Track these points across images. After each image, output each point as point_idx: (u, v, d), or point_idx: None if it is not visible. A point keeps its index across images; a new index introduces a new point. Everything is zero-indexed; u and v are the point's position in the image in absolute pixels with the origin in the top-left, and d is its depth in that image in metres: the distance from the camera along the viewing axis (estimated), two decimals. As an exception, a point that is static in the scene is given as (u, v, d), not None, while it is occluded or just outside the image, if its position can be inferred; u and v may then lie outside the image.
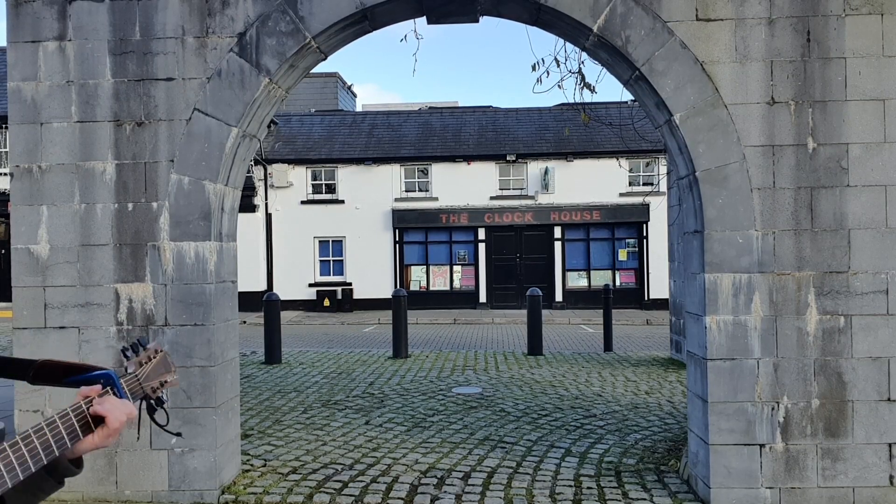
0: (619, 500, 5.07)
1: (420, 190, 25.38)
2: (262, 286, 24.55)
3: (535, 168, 24.96)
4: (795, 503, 4.85)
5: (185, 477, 5.12)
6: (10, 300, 10.49)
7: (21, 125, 5.20)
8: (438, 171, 25.20)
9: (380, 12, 5.31)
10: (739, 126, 4.91)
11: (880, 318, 4.86)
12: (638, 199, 24.27)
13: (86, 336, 5.17)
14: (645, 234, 24.89)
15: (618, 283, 25.05)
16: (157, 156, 5.16)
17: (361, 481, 5.48)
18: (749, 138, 4.91)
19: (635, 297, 24.90)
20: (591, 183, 24.39)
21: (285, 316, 19.62)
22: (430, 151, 25.49)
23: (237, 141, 5.24)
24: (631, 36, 4.98)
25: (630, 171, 24.69)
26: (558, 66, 7.31)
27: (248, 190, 23.36)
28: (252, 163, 20.91)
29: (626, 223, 25.00)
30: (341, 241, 25.40)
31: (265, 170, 24.82)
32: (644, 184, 24.48)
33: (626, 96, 13.54)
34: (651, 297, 24.61)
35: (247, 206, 23.44)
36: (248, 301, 20.76)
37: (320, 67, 19.04)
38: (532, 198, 24.89)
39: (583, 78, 7.54)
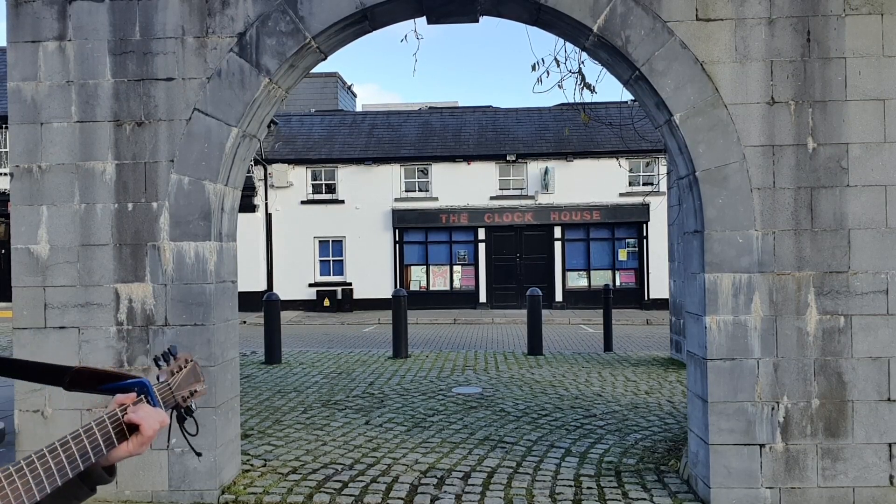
0: (619, 500, 5.07)
1: (420, 190, 25.38)
2: (262, 286, 24.55)
3: (535, 168, 24.95)
4: (795, 503, 4.85)
5: (185, 477, 5.12)
6: (10, 300, 10.50)
7: (21, 125, 5.20)
8: (438, 171, 25.20)
9: (380, 12, 5.31)
10: (739, 126, 4.91)
11: (880, 318, 4.86)
12: (638, 199, 24.27)
13: (86, 336, 5.17)
14: (645, 234, 24.89)
15: (618, 283, 25.05)
16: (157, 156, 5.16)
17: (361, 481, 5.48)
18: (749, 138, 4.91)
19: (635, 297, 24.90)
20: (591, 183, 24.39)
21: (285, 316, 19.62)
22: (430, 151, 25.49)
23: (237, 141, 5.24)
24: (631, 36, 4.98)
25: (630, 171, 24.69)
26: (558, 66, 7.31)
27: (248, 190, 23.36)
28: (252, 163, 20.91)
29: (626, 223, 25.00)
30: (341, 241, 25.40)
31: (265, 170, 24.82)
32: (644, 184, 24.48)
33: (626, 96, 13.54)
34: (651, 297, 24.61)
35: (247, 206, 23.44)
36: (248, 301, 20.76)
37: (320, 67, 19.05)
38: (532, 198, 24.89)
39: (583, 78, 7.54)
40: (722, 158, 4.92)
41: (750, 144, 4.91)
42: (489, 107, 28.69)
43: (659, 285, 23.76)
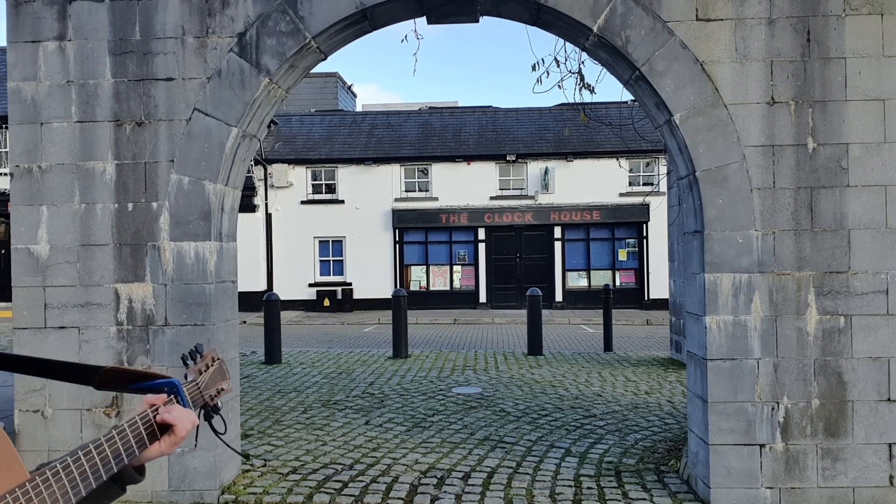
0: (619, 500, 5.07)
1: (420, 190, 25.39)
2: (262, 286, 24.55)
3: (535, 168, 24.96)
4: (795, 503, 4.85)
5: (184, 477, 5.12)
6: (10, 300, 10.49)
7: (21, 125, 5.20)
8: (438, 171, 25.20)
9: (380, 12, 5.31)
10: (739, 126, 4.91)
11: (880, 318, 4.86)
12: (638, 199, 24.27)
13: (86, 336, 5.17)
14: (645, 234, 24.89)
15: (618, 283, 25.05)
16: (157, 156, 5.16)
17: (361, 481, 5.48)
18: (749, 138, 4.91)
19: (635, 297, 24.90)
20: (591, 183, 24.39)
21: (285, 316, 19.63)
22: (430, 151, 25.49)
23: (237, 141, 5.24)
24: (631, 36, 4.98)
25: (630, 171, 24.69)
26: (558, 66, 7.31)
27: (248, 190, 23.36)
28: (252, 163, 20.91)
29: (626, 223, 25.00)
30: (341, 241, 25.41)
31: (265, 170, 24.82)
32: (644, 184, 24.48)
33: (626, 96, 13.55)
34: (651, 297, 24.62)
35: (247, 206, 23.44)
36: (248, 301, 20.76)
37: (320, 67, 19.05)
38: (532, 198, 24.89)
39: (582, 78, 7.54)
40: (722, 158, 4.92)
41: (750, 144, 4.91)
42: (489, 107, 28.70)
43: (659, 285, 23.76)
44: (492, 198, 24.98)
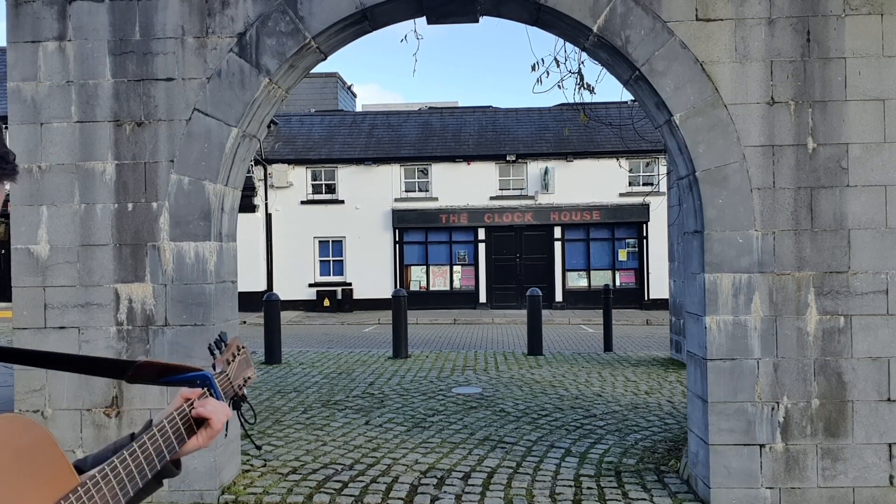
0: (619, 500, 5.07)
1: (420, 190, 25.38)
2: (262, 286, 24.55)
3: (535, 168, 24.95)
4: (795, 503, 4.85)
5: (184, 477, 5.11)
6: (10, 300, 10.50)
7: (21, 125, 5.20)
8: (438, 171, 25.20)
9: (380, 12, 5.31)
10: (739, 126, 4.91)
11: (880, 318, 4.86)
12: (638, 200, 24.27)
13: (86, 336, 5.17)
14: (645, 234, 24.89)
15: (618, 283, 25.05)
16: (157, 156, 5.16)
17: (361, 481, 5.48)
18: (749, 138, 4.91)
19: (635, 297, 24.90)
20: (591, 183, 24.39)
21: (285, 316, 19.62)
22: (430, 151, 25.49)
23: (237, 141, 5.24)
24: (631, 36, 4.98)
25: (630, 171, 24.69)
26: (558, 66, 7.31)
27: (248, 190, 23.36)
28: (252, 163, 20.91)
29: (626, 223, 25.00)
30: (341, 241, 25.40)
31: (265, 170, 24.82)
32: (644, 184, 24.48)
33: (626, 96, 13.54)
34: (651, 297, 24.61)
35: (247, 206, 23.44)
36: (248, 301, 20.76)
37: (320, 67, 19.05)
38: (532, 198, 24.88)
39: (582, 78, 7.54)
40: (722, 158, 4.92)
41: (750, 144, 4.91)
42: (489, 107, 28.69)
43: (659, 285, 23.75)
44: (492, 198, 24.98)
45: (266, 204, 25.10)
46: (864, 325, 4.86)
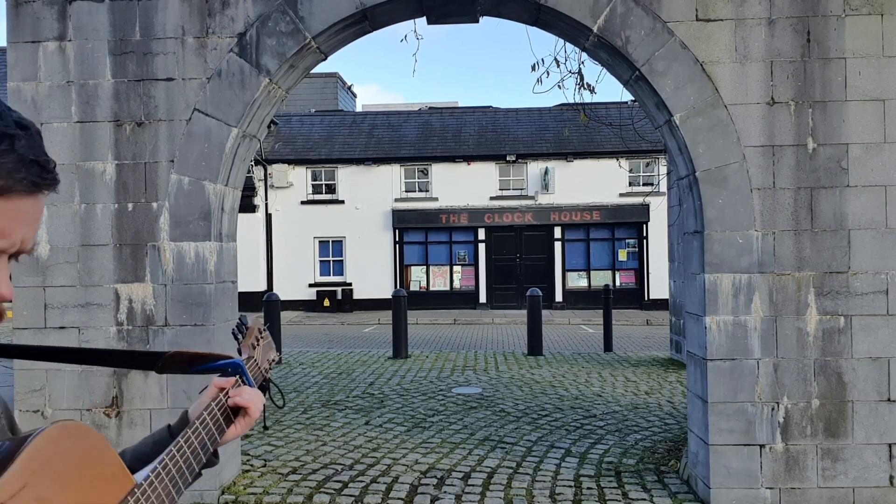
0: (619, 501, 5.07)
1: (420, 190, 25.38)
2: (262, 286, 24.55)
3: (535, 168, 24.95)
4: (795, 503, 4.85)
5: (185, 477, 5.11)
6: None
7: (21, 125, 5.19)
8: (438, 171, 25.20)
9: (380, 12, 5.31)
10: (739, 126, 4.91)
11: (880, 318, 4.86)
12: (638, 200, 24.27)
13: (86, 336, 5.17)
14: (645, 235, 24.89)
15: (618, 283, 25.05)
16: (157, 156, 5.16)
17: (361, 481, 5.48)
18: (749, 138, 4.91)
19: (635, 297, 24.90)
20: (591, 183, 24.39)
21: (285, 316, 19.62)
22: (430, 151, 25.49)
23: (237, 141, 5.24)
24: (631, 36, 4.98)
25: (630, 171, 24.69)
26: (558, 66, 7.32)
27: (248, 190, 23.35)
28: (252, 163, 20.89)
29: (626, 223, 25.00)
30: (341, 241, 25.40)
31: (265, 170, 24.82)
32: (644, 184, 24.48)
33: (626, 96, 13.55)
34: (651, 297, 24.61)
35: (247, 206, 23.44)
36: (248, 301, 20.73)
37: (320, 67, 19.04)
38: (532, 198, 24.89)
39: (582, 78, 7.55)
40: (722, 159, 4.92)
41: (750, 145, 4.91)
42: (489, 107, 28.69)
43: (659, 285, 23.75)
44: (492, 198, 24.98)
45: (266, 204, 25.10)
46: (864, 325, 4.86)
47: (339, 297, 24.84)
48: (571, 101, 8.88)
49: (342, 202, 25.13)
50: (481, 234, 25.40)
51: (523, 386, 9.35)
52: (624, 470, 5.74)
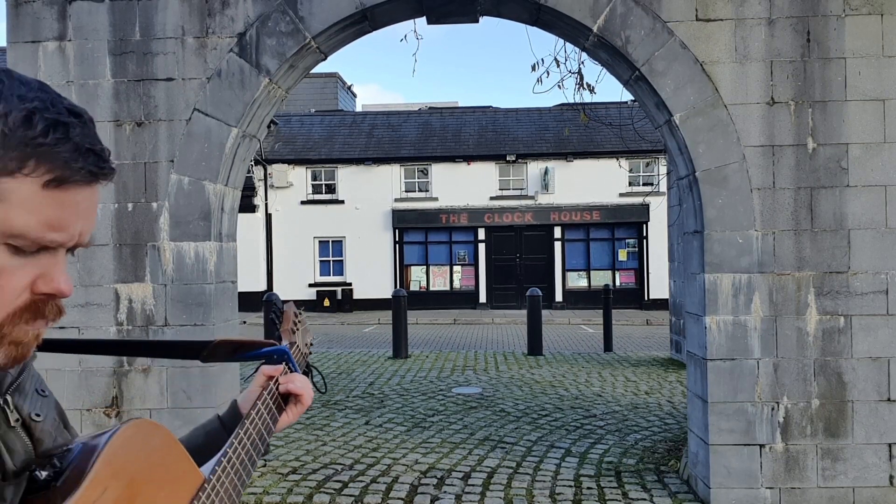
0: (619, 501, 5.07)
1: (420, 190, 25.39)
2: (262, 286, 24.55)
3: (535, 168, 24.96)
4: (795, 503, 4.85)
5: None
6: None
7: (21, 125, 5.19)
8: (438, 171, 25.20)
9: (380, 12, 5.31)
10: (739, 126, 4.91)
11: (880, 318, 4.86)
12: (638, 200, 24.27)
13: (85, 336, 5.17)
14: (645, 235, 24.89)
15: (618, 283, 25.05)
16: (157, 156, 5.16)
17: (361, 481, 5.48)
18: (749, 138, 4.91)
19: (635, 297, 24.90)
20: (591, 183, 24.39)
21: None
22: (430, 151, 25.49)
23: (237, 141, 5.24)
24: (631, 36, 4.98)
25: (630, 171, 24.69)
26: (558, 66, 7.32)
27: (248, 190, 23.36)
28: (252, 163, 20.89)
29: (625, 223, 25.00)
30: (341, 241, 25.41)
31: (265, 170, 24.82)
32: (644, 184, 24.48)
33: (626, 96, 13.54)
34: (651, 297, 24.62)
35: (247, 206, 23.44)
36: (248, 301, 20.76)
37: (320, 67, 19.04)
38: (532, 198, 24.89)
39: (582, 78, 7.55)
40: (722, 158, 4.92)
41: (750, 144, 4.91)
42: (489, 107, 28.70)
43: (659, 285, 23.76)
44: (492, 198, 24.98)
45: (266, 204, 25.11)
46: (864, 325, 4.86)
47: (339, 297, 24.84)
48: (571, 101, 8.89)
49: (342, 202, 25.14)
50: (481, 234, 25.41)
51: (523, 386, 9.35)
52: (624, 470, 5.74)
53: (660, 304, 23.43)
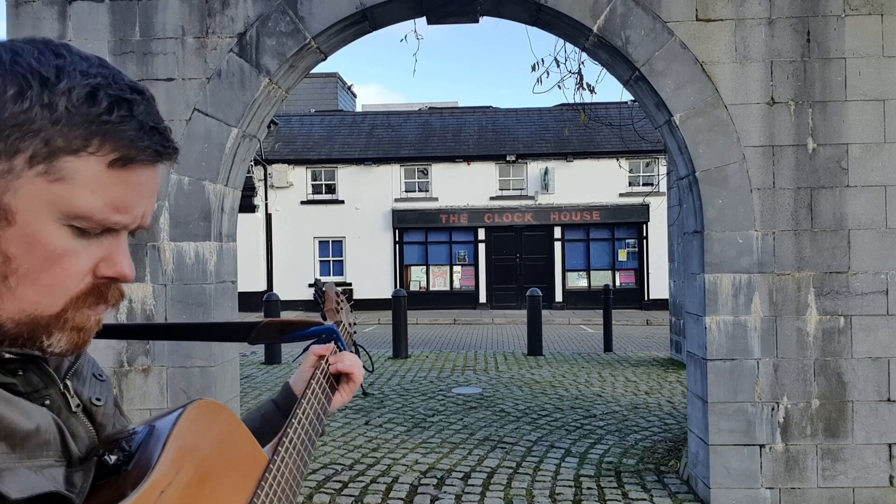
0: (619, 501, 5.07)
1: (420, 190, 25.39)
2: (262, 286, 24.55)
3: (534, 168, 24.96)
4: (795, 503, 4.85)
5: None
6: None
7: (21, 125, 5.19)
8: (438, 171, 25.20)
9: (380, 12, 5.31)
10: (739, 126, 4.91)
11: (880, 318, 4.86)
12: (638, 200, 24.27)
13: (86, 336, 5.16)
14: (645, 235, 24.89)
15: (618, 283, 25.05)
16: (157, 156, 5.15)
17: (361, 481, 5.48)
18: (749, 138, 4.91)
19: (635, 297, 24.90)
20: (591, 183, 24.39)
21: (285, 316, 19.60)
22: (430, 152, 25.49)
23: (237, 141, 5.24)
24: (631, 36, 4.98)
25: (630, 171, 24.69)
26: (558, 66, 7.32)
27: (248, 190, 23.36)
28: (252, 163, 20.89)
29: (625, 223, 25.00)
30: (341, 241, 25.41)
31: (265, 170, 24.82)
32: (644, 184, 24.48)
33: (626, 96, 13.53)
34: (651, 297, 24.61)
35: (247, 206, 23.45)
36: (248, 301, 20.76)
37: (320, 67, 19.04)
38: (532, 198, 24.88)
39: (582, 78, 7.55)
40: (722, 159, 4.92)
41: (750, 145, 4.91)
42: (489, 107, 28.69)
43: (659, 285, 23.76)
44: (492, 198, 24.98)
45: (266, 204, 25.11)
46: (864, 325, 4.86)
47: (339, 297, 24.81)
48: (571, 101, 8.89)
49: (342, 202, 25.14)
50: (481, 234, 25.40)
51: (523, 386, 9.35)
52: (624, 470, 5.74)
53: (660, 305, 23.43)
